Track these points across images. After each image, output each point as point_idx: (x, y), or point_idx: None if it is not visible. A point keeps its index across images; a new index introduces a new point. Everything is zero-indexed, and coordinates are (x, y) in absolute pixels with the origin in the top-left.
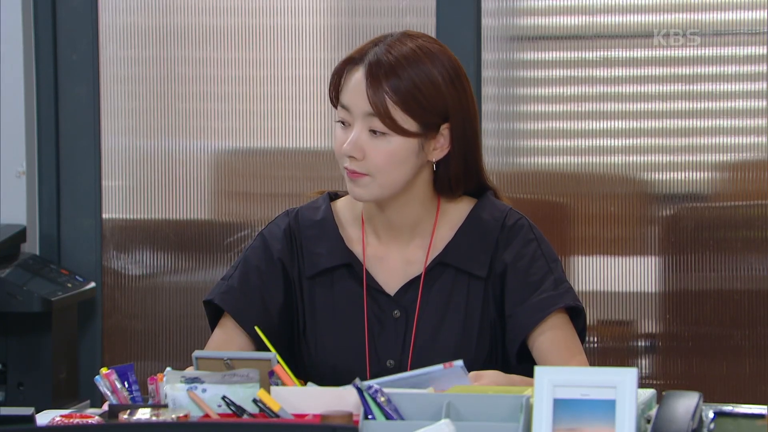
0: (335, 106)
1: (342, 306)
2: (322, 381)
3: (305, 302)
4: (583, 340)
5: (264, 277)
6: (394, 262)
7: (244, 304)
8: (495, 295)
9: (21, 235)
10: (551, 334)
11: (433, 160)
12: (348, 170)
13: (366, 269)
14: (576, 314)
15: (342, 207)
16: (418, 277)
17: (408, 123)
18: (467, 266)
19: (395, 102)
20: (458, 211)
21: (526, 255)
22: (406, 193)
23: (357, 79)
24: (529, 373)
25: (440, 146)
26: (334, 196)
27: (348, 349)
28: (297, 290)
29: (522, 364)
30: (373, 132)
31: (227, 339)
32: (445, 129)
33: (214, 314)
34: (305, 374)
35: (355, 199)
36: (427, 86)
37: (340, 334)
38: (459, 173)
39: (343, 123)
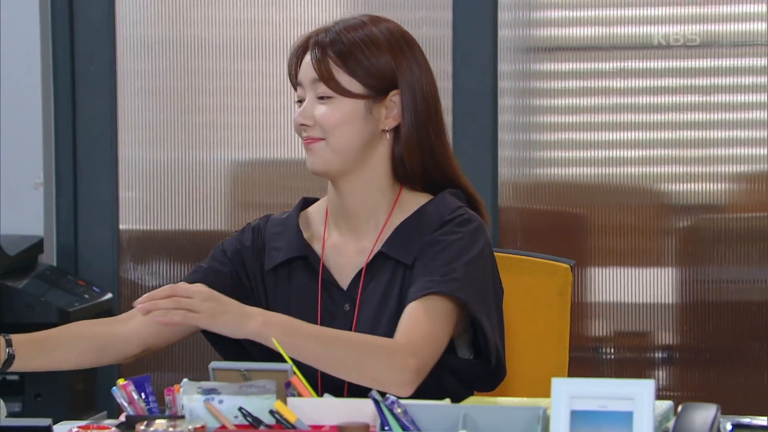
0: (295, 89)
1: (298, 299)
2: None
3: (268, 296)
4: (486, 351)
5: (232, 260)
6: (350, 253)
7: (214, 279)
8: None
9: (38, 246)
10: (410, 309)
11: (386, 129)
12: (304, 140)
13: (324, 262)
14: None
15: (313, 208)
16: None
17: (352, 85)
18: (402, 257)
19: (337, 64)
20: (414, 203)
21: (442, 242)
22: (362, 167)
23: (307, 56)
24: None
25: (393, 116)
26: (312, 200)
27: None
28: (260, 285)
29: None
30: (321, 98)
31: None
32: (395, 96)
33: None
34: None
35: (312, 171)
36: (370, 47)
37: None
38: (413, 150)
39: (300, 102)
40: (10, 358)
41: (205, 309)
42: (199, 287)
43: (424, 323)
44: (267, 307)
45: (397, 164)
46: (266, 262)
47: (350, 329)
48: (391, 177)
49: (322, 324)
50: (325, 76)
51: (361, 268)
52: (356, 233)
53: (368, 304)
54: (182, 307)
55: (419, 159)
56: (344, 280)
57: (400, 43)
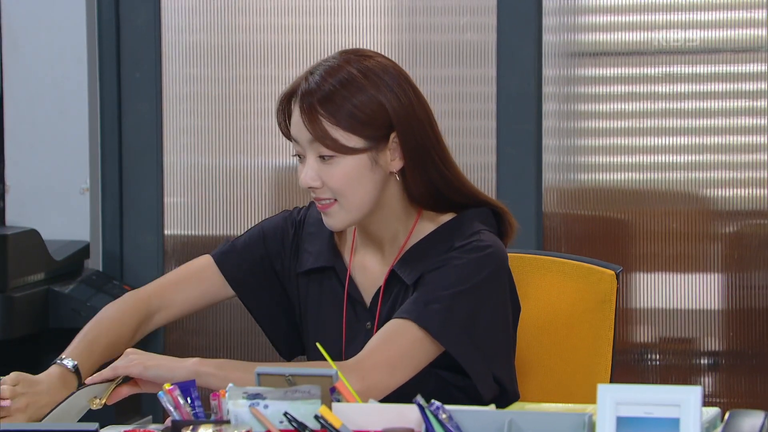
0: (290, 140)
1: (326, 307)
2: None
3: (300, 295)
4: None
5: (265, 242)
6: (374, 271)
7: (237, 262)
8: None
9: (84, 251)
10: (381, 330)
11: (394, 170)
12: (317, 201)
13: (350, 275)
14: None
15: None
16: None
17: (352, 140)
18: (406, 277)
19: (333, 123)
20: (433, 224)
21: (443, 268)
22: (379, 210)
23: (296, 112)
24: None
25: (398, 157)
26: None
27: (328, 351)
28: (293, 281)
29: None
30: (322, 158)
31: (197, 272)
32: (395, 138)
33: None
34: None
35: (331, 230)
36: (363, 101)
37: (321, 335)
38: (419, 184)
39: (299, 156)
40: (80, 383)
41: (134, 359)
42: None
43: (384, 347)
44: (298, 307)
45: (411, 196)
46: (299, 264)
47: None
48: (408, 205)
49: (346, 337)
50: (321, 136)
51: (380, 287)
52: (380, 254)
53: (383, 323)
54: (117, 373)
55: (429, 188)
56: (367, 297)
57: (379, 75)
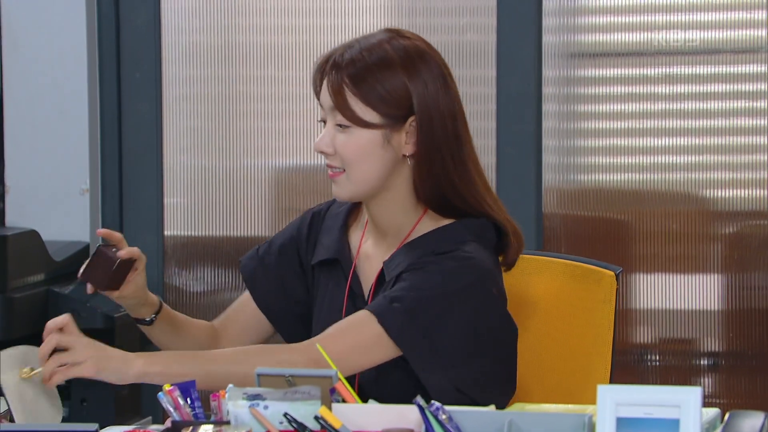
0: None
1: (330, 300)
2: None
3: (314, 285)
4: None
5: (283, 257)
6: (376, 263)
7: (261, 275)
8: None
9: (84, 252)
10: (342, 320)
11: (406, 154)
12: (329, 169)
13: (355, 267)
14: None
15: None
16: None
17: (369, 115)
18: (389, 274)
19: (355, 95)
20: (430, 226)
21: (420, 270)
22: (386, 193)
23: (326, 79)
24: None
25: (412, 142)
26: None
27: None
28: (310, 275)
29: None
30: (340, 126)
31: (241, 306)
32: (413, 122)
33: None
34: None
35: (337, 199)
36: (383, 71)
37: (321, 327)
38: (425, 178)
39: (324, 122)
40: (151, 321)
41: (86, 357)
42: (79, 338)
43: (337, 337)
44: (313, 295)
45: (417, 192)
46: (314, 257)
47: None
48: (415, 200)
49: None
50: (341, 105)
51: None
52: (384, 244)
53: None
54: (63, 363)
55: (433, 186)
56: (367, 288)
57: (415, 61)
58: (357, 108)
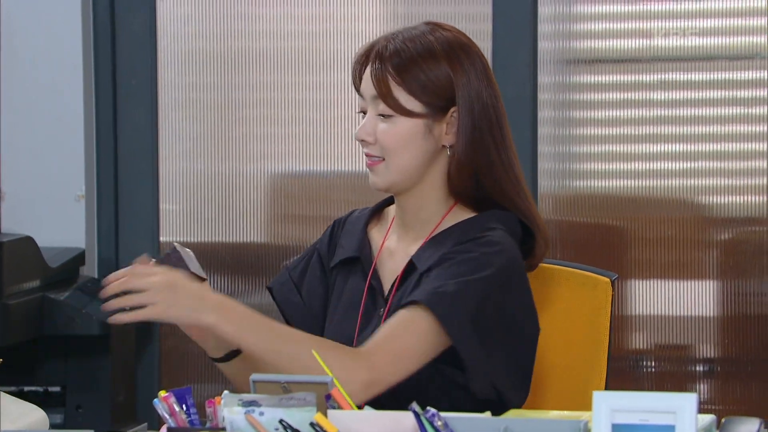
0: (361, 96)
1: (347, 298)
2: None
3: (332, 286)
4: (467, 364)
5: (310, 272)
6: (399, 259)
7: (290, 295)
8: None
9: (80, 258)
10: (392, 319)
11: (446, 144)
12: (367, 158)
13: (377, 265)
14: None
15: (392, 207)
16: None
17: (412, 104)
18: (421, 266)
19: (398, 84)
20: (459, 218)
21: (453, 258)
22: (422, 184)
23: (368, 68)
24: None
25: (453, 133)
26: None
27: (338, 341)
28: (332, 276)
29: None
30: (381, 116)
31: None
32: (455, 113)
33: None
34: None
35: (374, 188)
36: (427, 60)
37: (336, 326)
38: (462, 168)
39: (364, 113)
40: (225, 359)
41: (159, 300)
42: (157, 275)
43: (395, 338)
44: (327, 303)
45: (452, 184)
46: (333, 260)
47: None
48: (447, 190)
49: (360, 325)
50: (384, 94)
51: (398, 274)
52: (409, 238)
53: (394, 310)
54: (135, 303)
55: (470, 177)
56: (387, 284)
57: (458, 52)
58: (400, 97)
